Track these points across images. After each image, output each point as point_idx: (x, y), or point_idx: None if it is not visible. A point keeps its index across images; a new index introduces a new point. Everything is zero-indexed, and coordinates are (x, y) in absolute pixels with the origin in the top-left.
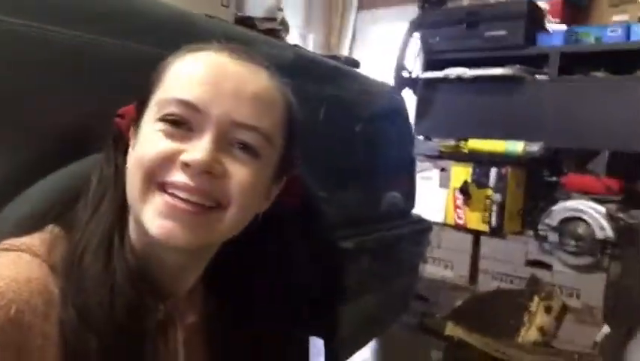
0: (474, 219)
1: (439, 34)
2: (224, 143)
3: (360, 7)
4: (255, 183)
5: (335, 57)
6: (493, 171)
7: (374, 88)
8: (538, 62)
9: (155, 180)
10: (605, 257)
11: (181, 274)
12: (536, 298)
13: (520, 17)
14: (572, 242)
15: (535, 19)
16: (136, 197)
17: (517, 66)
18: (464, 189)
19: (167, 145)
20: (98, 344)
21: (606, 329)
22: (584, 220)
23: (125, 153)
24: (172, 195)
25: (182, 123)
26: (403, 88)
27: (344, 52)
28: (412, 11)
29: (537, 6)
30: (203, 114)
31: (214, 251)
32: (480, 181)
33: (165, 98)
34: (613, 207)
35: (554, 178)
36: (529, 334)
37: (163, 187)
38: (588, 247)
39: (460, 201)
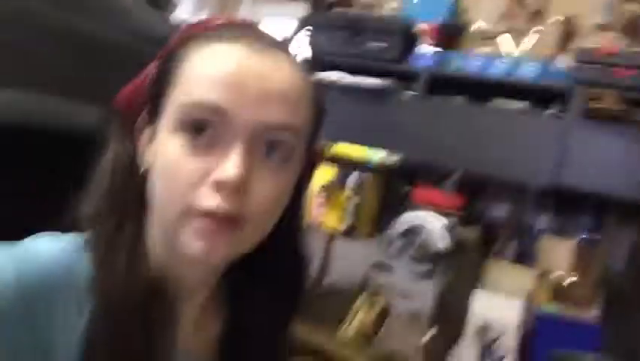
0: (331, 219)
1: (324, 35)
2: (253, 149)
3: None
4: (284, 191)
5: None
6: (355, 175)
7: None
8: (409, 79)
9: (189, 203)
10: (439, 266)
11: (194, 292)
12: (362, 296)
13: (398, 34)
14: (413, 250)
15: (412, 38)
16: (170, 217)
17: (391, 80)
18: (326, 189)
19: (195, 165)
20: (116, 330)
21: (432, 331)
22: (426, 229)
23: (133, 143)
24: (209, 218)
25: (206, 129)
26: None
27: None
28: (303, 8)
29: (415, 26)
30: (230, 118)
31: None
32: (341, 183)
33: (187, 101)
34: (453, 220)
35: (407, 189)
36: (349, 329)
37: (199, 212)
38: (427, 255)
39: (321, 201)
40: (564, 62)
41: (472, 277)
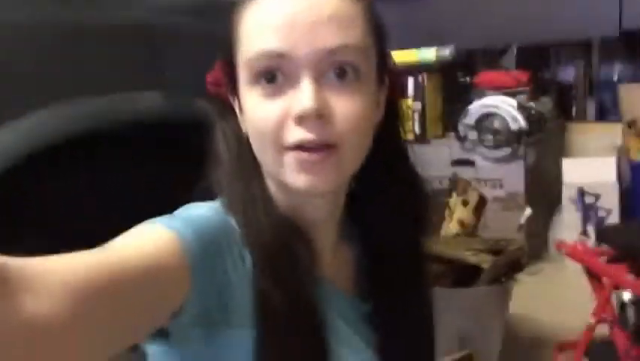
0: None
1: None
2: (322, 77)
3: None
4: (364, 108)
5: None
6: (410, 81)
7: None
8: None
9: (279, 143)
10: (521, 146)
11: (324, 225)
12: (454, 194)
13: None
14: (490, 137)
15: None
16: (270, 162)
17: None
18: None
19: (273, 107)
20: (274, 271)
21: (528, 211)
22: (498, 114)
23: (234, 117)
24: (300, 151)
25: (276, 76)
26: None
27: None
28: None
29: None
30: (293, 57)
31: (344, 193)
32: (400, 93)
33: (251, 55)
34: (523, 98)
35: (468, 79)
36: (450, 227)
37: (290, 148)
38: (504, 139)
39: None
40: None
41: (557, 147)
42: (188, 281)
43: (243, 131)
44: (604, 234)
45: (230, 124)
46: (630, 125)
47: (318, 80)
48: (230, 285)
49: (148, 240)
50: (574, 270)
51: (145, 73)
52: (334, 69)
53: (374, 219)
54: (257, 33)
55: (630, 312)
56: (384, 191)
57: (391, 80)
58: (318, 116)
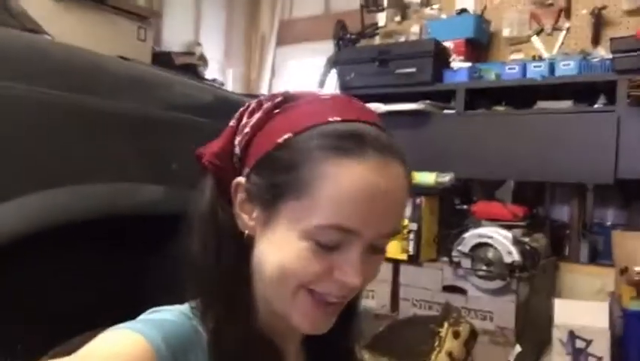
0: (393, 250)
1: (354, 70)
2: (368, 249)
3: (279, 42)
4: (376, 274)
5: (255, 96)
6: (409, 202)
7: None
8: (445, 97)
9: (306, 286)
10: (513, 280)
11: (293, 338)
12: (446, 324)
13: (427, 56)
14: (484, 267)
15: (441, 57)
16: (283, 298)
17: (427, 102)
18: None
19: (320, 265)
20: None
21: (518, 348)
22: (492, 246)
23: (227, 202)
24: (320, 299)
25: (337, 246)
26: None
27: (264, 85)
28: (328, 48)
29: (443, 45)
30: (357, 235)
31: None
32: None
33: (324, 223)
34: (519, 232)
35: (465, 206)
36: (439, 358)
37: (311, 291)
38: (498, 271)
39: None
40: (600, 54)
41: (549, 285)
42: None
43: (241, 225)
44: None
45: (223, 207)
46: (622, 272)
47: (365, 253)
48: None
49: (123, 349)
50: None
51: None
52: (378, 247)
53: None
54: (336, 206)
55: None
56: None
57: None
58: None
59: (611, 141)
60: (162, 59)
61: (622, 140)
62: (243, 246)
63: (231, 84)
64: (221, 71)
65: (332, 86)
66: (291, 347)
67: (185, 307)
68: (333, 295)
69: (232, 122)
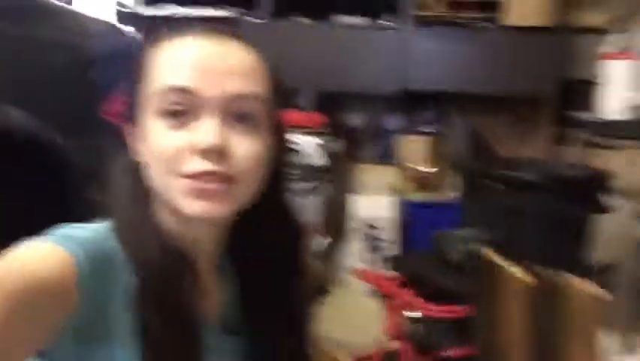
0: None
1: None
2: (225, 119)
3: None
4: (259, 150)
5: None
6: None
7: (94, 27)
8: (251, 4)
9: (177, 171)
10: (322, 181)
11: (211, 246)
12: None
13: None
14: (294, 171)
15: None
16: (163, 187)
17: (231, 8)
18: None
19: (177, 138)
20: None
21: (329, 238)
22: (299, 151)
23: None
24: (196, 180)
25: (182, 111)
26: (126, 25)
27: None
28: None
29: None
30: (201, 97)
31: (228, 228)
32: None
33: (160, 89)
34: (326, 138)
35: None
36: None
37: (187, 176)
38: (308, 174)
39: None
40: None
41: (347, 184)
42: (76, 298)
43: (139, 159)
44: (394, 262)
45: (127, 155)
46: (405, 170)
47: (222, 121)
48: (113, 306)
49: (43, 258)
50: (363, 294)
51: None
52: (236, 113)
53: (247, 253)
54: (169, 69)
55: (418, 328)
56: (258, 227)
57: (279, 130)
58: (220, 152)
59: (401, 55)
60: None
61: (409, 54)
62: (143, 176)
63: None
64: None
65: None
66: (204, 265)
67: (99, 225)
68: (209, 169)
69: None
